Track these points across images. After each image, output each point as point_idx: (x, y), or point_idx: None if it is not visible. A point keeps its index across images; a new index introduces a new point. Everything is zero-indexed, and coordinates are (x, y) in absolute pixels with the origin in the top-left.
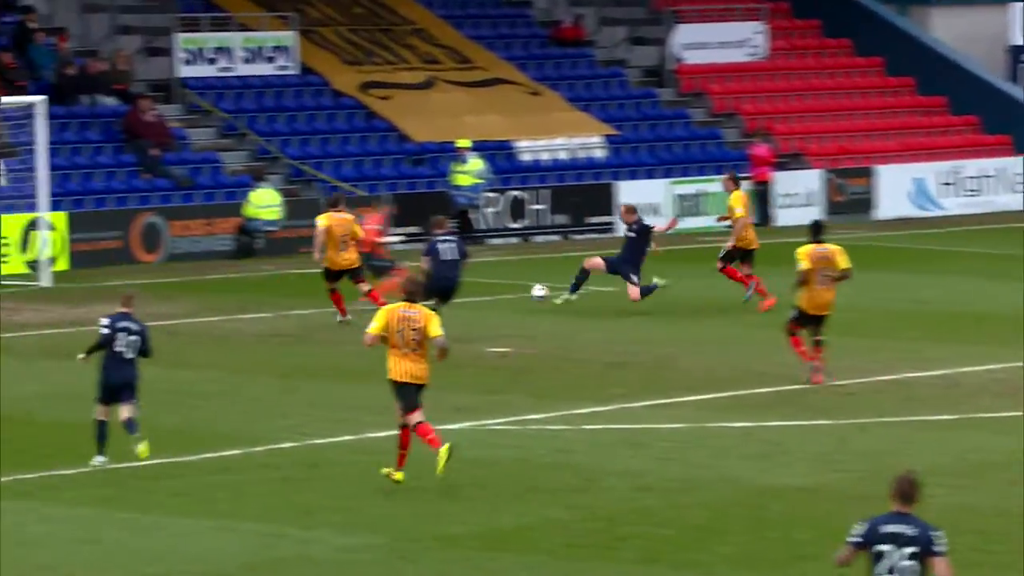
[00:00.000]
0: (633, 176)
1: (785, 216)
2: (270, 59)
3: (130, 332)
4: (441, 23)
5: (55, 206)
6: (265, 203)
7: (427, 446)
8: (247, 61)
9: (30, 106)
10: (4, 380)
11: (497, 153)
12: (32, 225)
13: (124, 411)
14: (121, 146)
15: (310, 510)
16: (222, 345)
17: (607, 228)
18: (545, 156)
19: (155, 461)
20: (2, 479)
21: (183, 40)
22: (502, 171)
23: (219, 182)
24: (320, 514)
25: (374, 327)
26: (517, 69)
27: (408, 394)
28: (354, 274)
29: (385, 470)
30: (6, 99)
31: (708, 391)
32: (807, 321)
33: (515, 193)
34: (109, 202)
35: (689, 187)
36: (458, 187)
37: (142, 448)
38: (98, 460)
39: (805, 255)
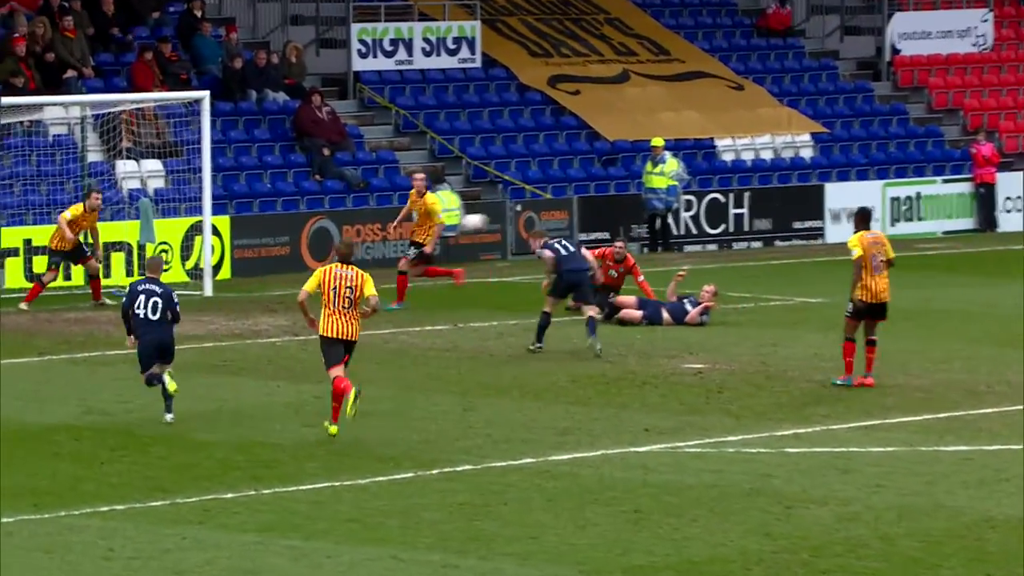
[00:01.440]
0: (843, 177)
1: (1008, 221)
2: (452, 51)
3: (152, 295)
4: (636, 11)
5: (219, 209)
6: (444, 206)
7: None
8: (427, 54)
9: (194, 102)
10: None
11: (695, 152)
12: (194, 230)
13: (154, 367)
14: (290, 145)
15: (488, 539)
16: (394, 360)
17: (815, 234)
18: (748, 156)
19: (321, 484)
20: (159, 503)
21: (358, 31)
22: (700, 172)
23: (395, 183)
24: (499, 543)
25: (308, 285)
26: (719, 61)
27: (338, 351)
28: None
29: (326, 423)
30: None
31: (922, 412)
32: (866, 313)
33: (714, 196)
34: (277, 205)
35: (905, 190)
36: (652, 189)
37: (171, 386)
38: (168, 418)
39: (857, 242)
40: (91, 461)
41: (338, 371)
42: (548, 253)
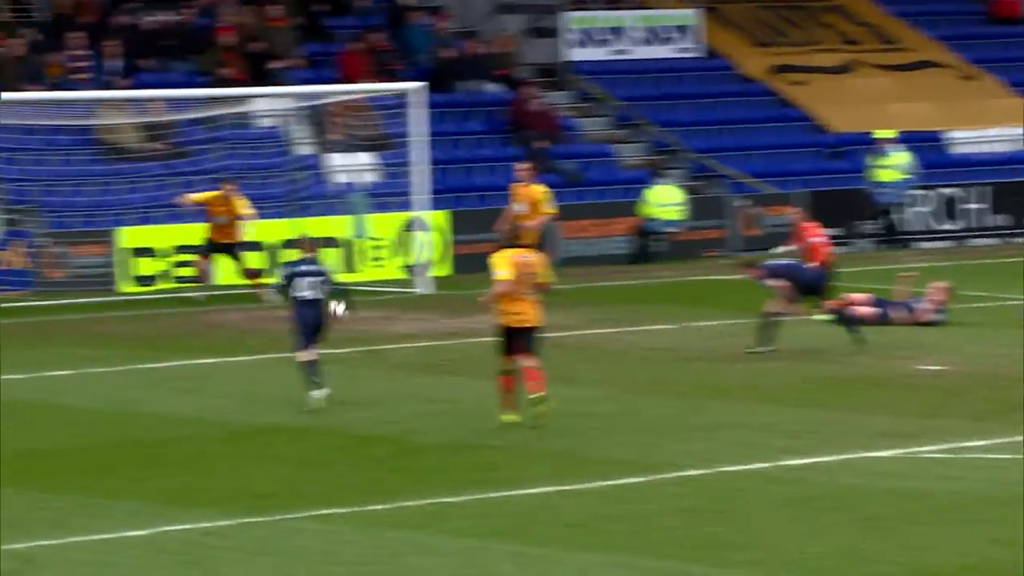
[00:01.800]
0: None
1: None
2: (670, 40)
3: (309, 275)
4: None
5: (433, 204)
6: (665, 201)
7: (527, 391)
8: (645, 43)
9: (405, 94)
10: (380, 396)
11: (925, 145)
12: (408, 225)
13: (305, 354)
14: (505, 138)
15: (721, 546)
16: (617, 361)
17: None
18: (981, 149)
19: (545, 488)
20: (380, 506)
21: (573, 19)
22: (930, 165)
23: (613, 178)
24: (732, 551)
25: (504, 274)
26: (948, 50)
27: (520, 339)
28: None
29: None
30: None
31: None
32: None
33: (947, 191)
34: (492, 200)
35: None
36: (880, 183)
37: (317, 398)
38: (314, 395)
39: None
40: (310, 463)
41: (524, 361)
42: (778, 282)
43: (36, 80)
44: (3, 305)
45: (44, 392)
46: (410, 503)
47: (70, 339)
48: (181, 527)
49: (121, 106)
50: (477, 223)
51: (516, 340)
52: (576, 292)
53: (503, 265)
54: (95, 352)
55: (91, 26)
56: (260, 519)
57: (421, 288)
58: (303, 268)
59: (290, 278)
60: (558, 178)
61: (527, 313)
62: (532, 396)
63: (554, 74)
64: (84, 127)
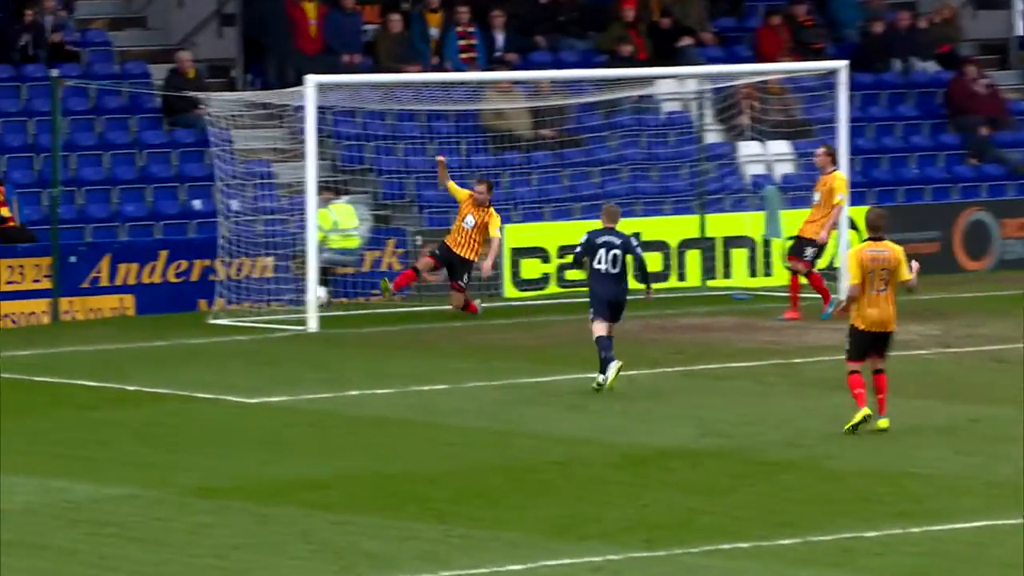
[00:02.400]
0: None
1: None
2: None
3: (611, 247)
4: None
5: (858, 199)
6: None
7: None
8: None
9: (828, 74)
10: (791, 416)
11: None
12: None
13: (600, 327)
14: (941, 123)
15: None
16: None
17: None
18: None
19: (980, 523)
20: (789, 541)
21: None
22: None
23: None
24: None
25: (855, 276)
26: None
27: (870, 344)
28: None
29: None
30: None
31: None
32: None
33: None
34: (925, 194)
35: None
36: None
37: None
38: (607, 374)
39: None
40: (710, 491)
41: (873, 363)
42: None
43: (413, 60)
44: (373, 311)
45: (416, 408)
46: (824, 538)
47: (445, 350)
48: (566, 561)
49: (509, 89)
50: (907, 220)
51: (869, 343)
52: (1019, 299)
53: (851, 266)
54: (472, 364)
55: (477, 0)
56: (655, 553)
57: (840, 294)
58: (604, 239)
59: (591, 249)
60: (1002, 169)
61: (882, 314)
62: (880, 416)
63: (1002, 51)
64: (467, 112)
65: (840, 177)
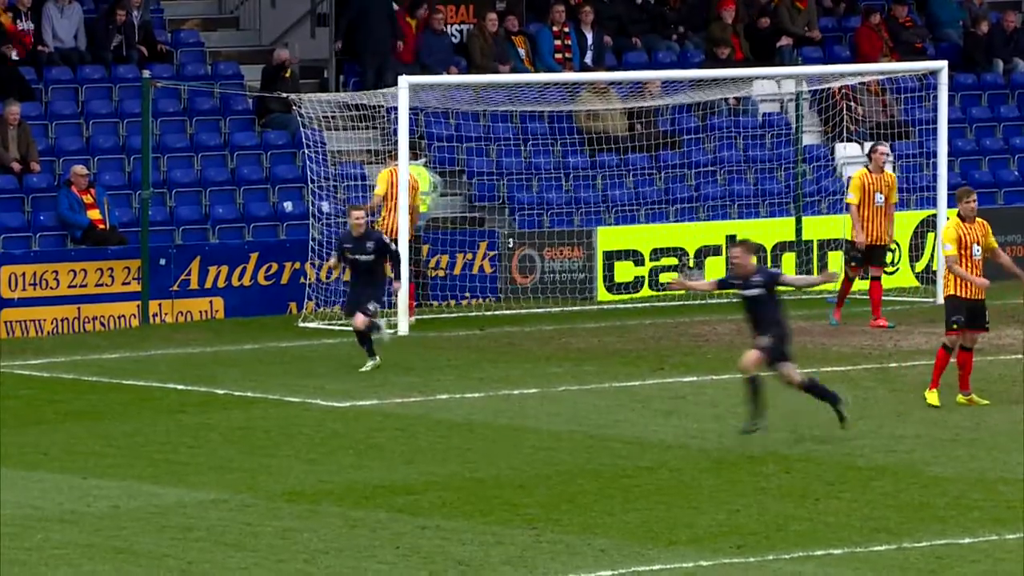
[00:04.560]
0: None
1: None
2: None
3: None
4: None
5: (952, 201)
6: None
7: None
8: None
9: (929, 74)
10: (888, 421)
11: None
12: (925, 225)
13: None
14: None
15: None
16: None
17: None
18: None
19: None
20: (882, 547)
21: None
22: None
23: None
24: None
25: (949, 249)
26: None
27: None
28: None
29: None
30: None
31: None
32: None
33: None
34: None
35: None
36: None
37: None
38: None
39: None
40: (803, 496)
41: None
42: None
43: (508, 60)
44: (467, 315)
45: (507, 413)
46: (918, 544)
47: (537, 353)
48: (656, 567)
49: (604, 90)
50: (1004, 224)
51: (968, 314)
52: None
53: (949, 237)
54: (564, 368)
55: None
56: (747, 559)
57: (938, 299)
58: None
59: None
60: None
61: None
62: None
63: None
64: (562, 113)
65: (892, 176)
